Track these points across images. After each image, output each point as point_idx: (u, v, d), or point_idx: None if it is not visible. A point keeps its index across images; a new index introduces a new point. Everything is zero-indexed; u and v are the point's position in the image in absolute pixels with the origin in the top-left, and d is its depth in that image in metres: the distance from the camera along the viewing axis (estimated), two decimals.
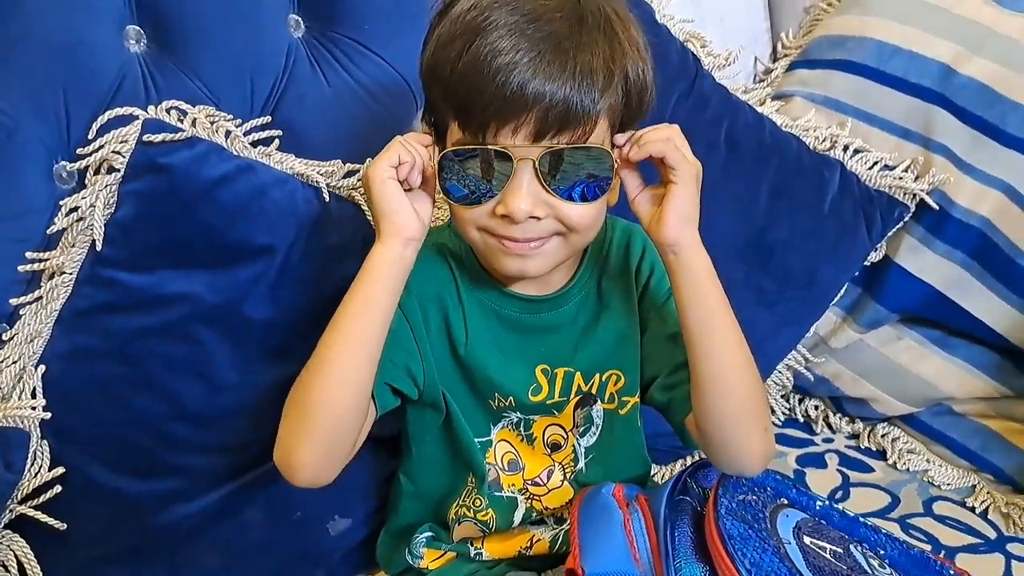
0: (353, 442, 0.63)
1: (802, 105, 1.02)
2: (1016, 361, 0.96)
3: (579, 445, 0.73)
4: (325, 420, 0.61)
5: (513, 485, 0.73)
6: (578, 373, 0.71)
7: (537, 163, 0.59)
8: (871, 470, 0.97)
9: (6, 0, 0.75)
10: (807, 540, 0.62)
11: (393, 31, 0.94)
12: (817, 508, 0.70)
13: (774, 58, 1.11)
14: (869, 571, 0.61)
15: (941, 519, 0.89)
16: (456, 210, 0.64)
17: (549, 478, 0.73)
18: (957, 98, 0.96)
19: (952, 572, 0.69)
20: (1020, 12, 0.98)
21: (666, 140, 0.62)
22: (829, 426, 1.04)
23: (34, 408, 0.69)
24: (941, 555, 0.80)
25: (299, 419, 0.62)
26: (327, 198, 0.77)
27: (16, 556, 0.70)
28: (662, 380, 0.70)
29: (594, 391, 0.72)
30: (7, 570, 0.70)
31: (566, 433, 0.73)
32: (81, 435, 0.71)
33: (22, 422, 0.69)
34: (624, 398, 0.73)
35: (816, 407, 1.05)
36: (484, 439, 0.73)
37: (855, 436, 1.02)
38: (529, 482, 0.73)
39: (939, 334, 0.99)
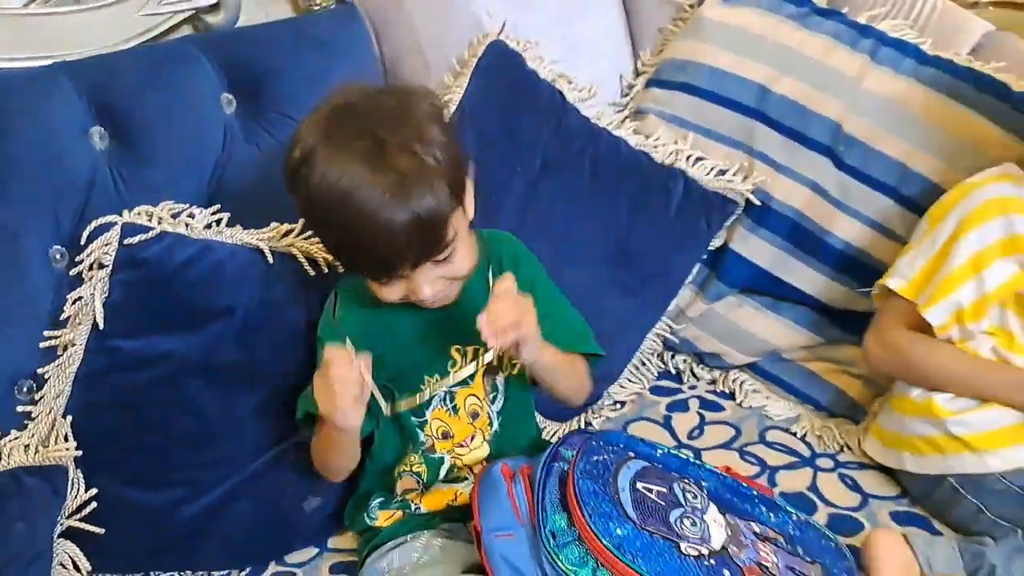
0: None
1: (654, 122, 1.21)
2: (828, 317, 1.18)
3: (492, 411, 0.96)
4: (337, 476, 0.94)
5: (444, 448, 0.94)
6: (482, 348, 0.90)
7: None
8: (723, 409, 1.20)
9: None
10: (639, 485, 0.84)
11: (316, 98, 1.10)
12: (658, 456, 0.92)
13: (636, 75, 1.29)
14: (683, 502, 0.85)
15: (770, 444, 1.13)
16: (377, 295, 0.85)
17: (472, 441, 0.95)
18: (771, 112, 1.16)
19: (755, 492, 0.94)
20: (822, 34, 1.17)
21: (515, 331, 0.81)
22: (694, 375, 1.27)
23: (68, 449, 0.88)
24: (754, 475, 1.05)
25: (323, 473, 0.94)
26: (271, 259, 0.96)
27: (70, 557, 0.92)
28: None
29: (495, 362, 0.93)
30: (64, 568, 0.92)
31: (480, 401, 0.95)
32: (105, 464, 0.90)
33: (61, 460, 0.89)
34: (514, 361, 0.94)
35: (684, 361, 1.27)
36: (422, 419, 0.94)
37: (713, 382, 1.25)
38: (456, 445, 0.95)
39: (769, 300, 1.20)
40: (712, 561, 0.79)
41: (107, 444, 0.91)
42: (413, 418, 0.94)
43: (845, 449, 1.12)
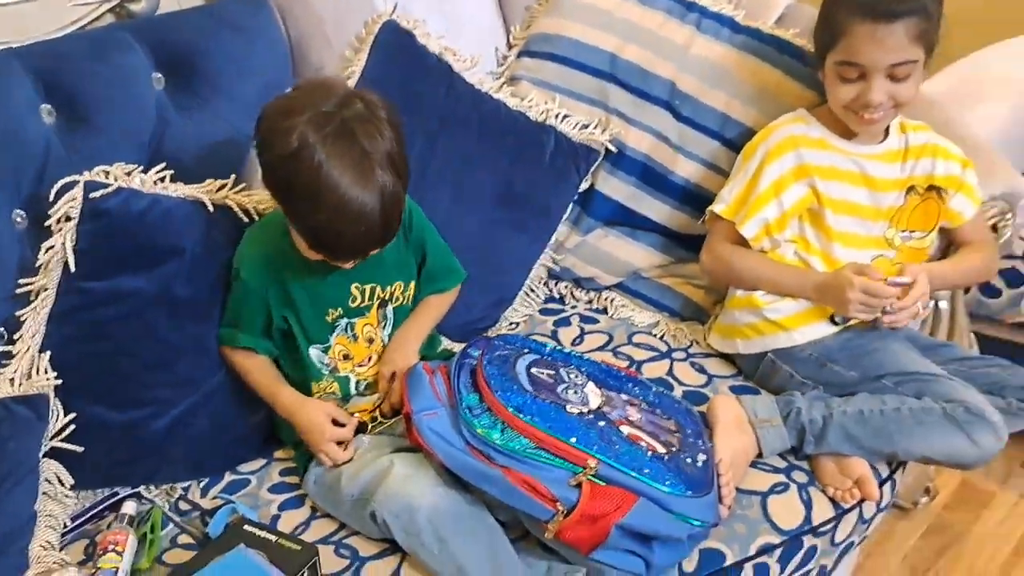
0: None
1: (526, 87, 1.42)
2: (676, 241, 1.42)
3: (383, 335, 1.15)
4: None
5: (346, 368, 1.13)
6: (378, 286, 1.11)
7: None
8: (598, 322, 1.42)
9: None
10: (533, 370, 1.06)
11: (235, 74, 1.25)
12: (547, 351, 1.15)
13: (509, 47, 1.50)
14: (567, 380, 1.07)
15: (637, 344, 1.36)
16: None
17: (369, 361, 1.14)
18: (620, 75, 1.39)
19: (623, 373, 1.18)
20: (657, 9, 1.42)
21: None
22: (574, 297, 1.48)
23: (47, 380, 1.02)
24: (626, 366, 1.29)
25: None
26: (211, 208, 1.11)
27: (55, 473, 1.04)
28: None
29: (387, 297, 1.13)
30: (50, 483, 1.05)
31: (374, 328, 1.14)
32: (80, 390, 1.04)
33: (42, 389, 1.02)
34: (408, 293, 1.16)
35: (565, 287, 1.48)
36: (326, 344, 1.11)
37: (590, 301, 1.47)
38: (357, 365, 1.14)
39: (628, 229, 1.43)
40: (591, 416, 1.02)
41: (81, 373, 1.04)
42: (317, 345, 1.11)
43: (694, 344, 1.37)
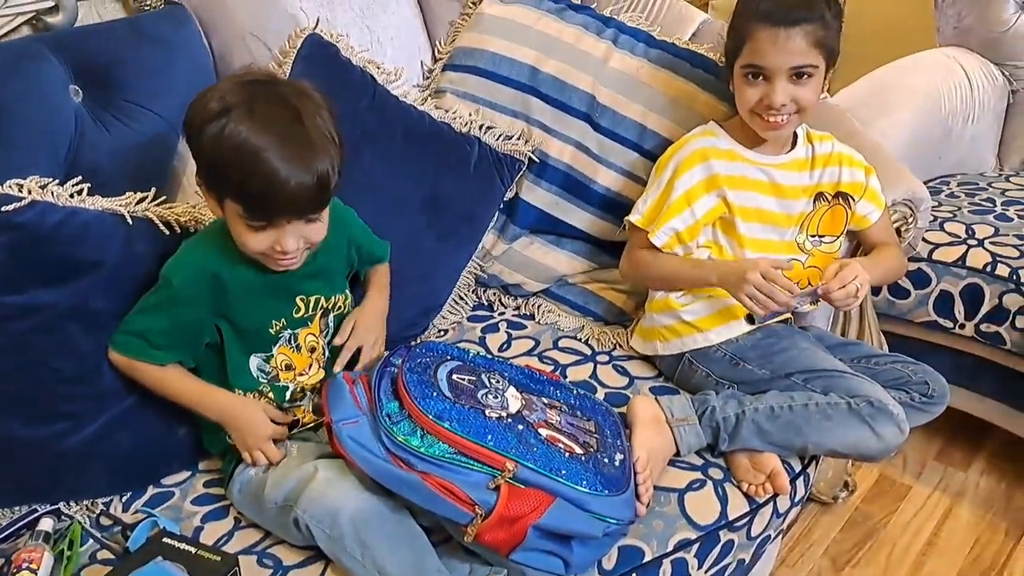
0: None
1: (451, 99, 1.44)
2: (599, 247, 1.46)
3: (324, 343, 1.15)
4: None
5: (287, 378, 1.12)
6: (322, 297, 1.12)
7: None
8: (525, 327, 1.44)
9: None
10: (454, 376, 1.08)
11: (155, 87, 1.24)
12: (469, 357, 1.16)
13: (434, 60, 1.52)
14: (488, 385, 1.09)
15: (562, 349, 1.38)
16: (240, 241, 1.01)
17: (310, 369, 1.14)
18: (541, 88, 1.42)
19: (545, 377, 1.20)
20: (574, 24, 1.45)
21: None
22: (502, 304, 1.50)
23: None
24: (550, 370, 1.31)
25: None
26: (130, 221, 1.10)
27: None
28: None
29: (330, 307, 1.14)
30: None
31: (317, 337, 1.14)
32: None
33: None
34: (346, 302, 1.17)
35: (494, 293, 1.51)
36: (268, 354, 1.10)
37: (518, 308, 1.49)
38: (298, 375, 1.13)
39: (553, 237, 1.46)
40: (510, 420, 1.04)
41: None
42: (258, 355, 1.11)
43: (617, 347, 1.40)
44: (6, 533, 1.06)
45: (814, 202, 1.32)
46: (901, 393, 1.26)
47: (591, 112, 1.42)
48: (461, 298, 1.47)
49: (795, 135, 1.32)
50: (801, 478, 1.21)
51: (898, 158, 1.59)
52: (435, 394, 1.03)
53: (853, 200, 1.32)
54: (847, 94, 1.82)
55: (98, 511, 1.13)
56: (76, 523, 1.06)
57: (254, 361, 1.11)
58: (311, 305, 1.12)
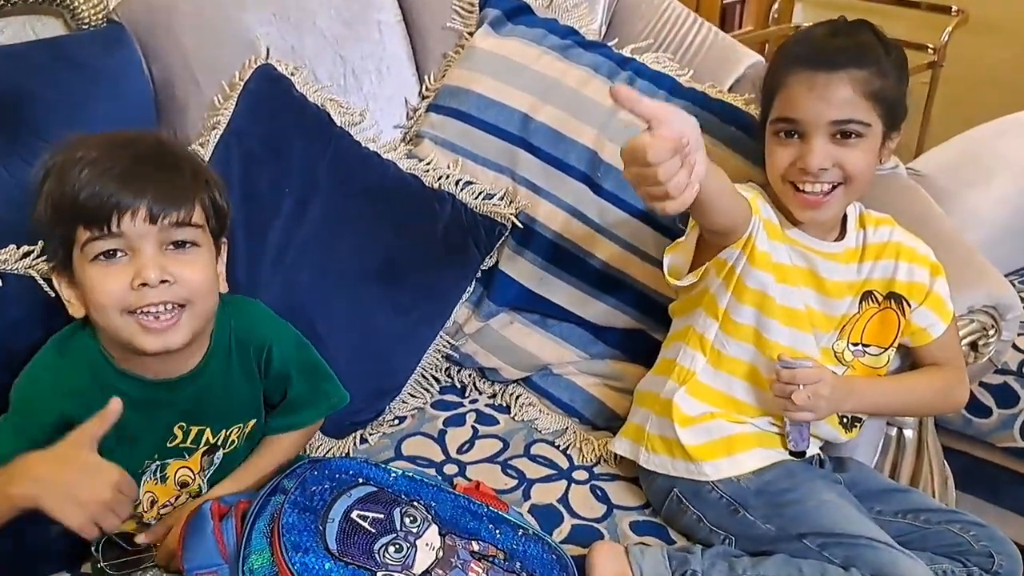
0: None
1: (428, 146, 1.22)
2: (592, 332, 1.21)
3: (204, 481, 0.92)
4: None
5: (151, 516, 0.91)
6: (208, 429, 0.89)
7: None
8: (497, 423, 1.20)
9: None
10: (354, 514, 0.83)
11: (75, 121, 1.06)
12: (390, 479, 0.91)
13: (420, 99, 1.30)
14: (398, 528, 0.85)
15: (533, 457, 1.14)
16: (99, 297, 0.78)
17: (177, 499, 0.92)
18: (533, 139, 1.18)
19: (486, 510, 0.94)
20: (582, 65, 1.21)
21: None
22: (477, 389, 1.27)
23: None
24: (509, 493, 1.07)
25: None
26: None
27: None
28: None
29: (219, 443, 0.91)
30: None
31: (194, 474, 0.91)
32: None
33: None
34: (247, 431, 0.93)
35: (468, 375, 1.27)
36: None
37: (494, 396, 1.25)
38: (161, 507, 0.91)
39: (538, 317, 1.21)
40: None
41: None
42: None
43: (602, 461, 1.14)
44: None
45: (860, 303, 1.04)
46: (956, 564, 0.96)
47: (591, 172, 1.16)
48: (426, 378, 1.24)
49: (845, 219, 1.05)
50: None
51: (991, 243, 1.28)
52: (316, 546, 0.80)
53: (909, 305, 1.03)
54: (932, 158, 1.50)
55: None
56: None
57: None
58: (191, 437, 0.89)
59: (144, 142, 0.83)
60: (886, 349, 1.04)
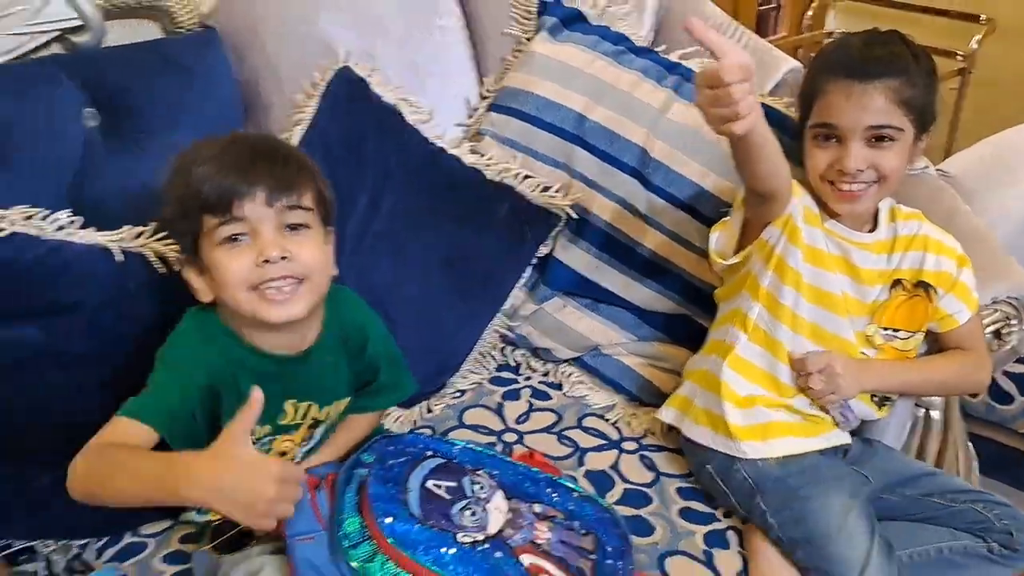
0: None
1: (489, 143, 1.31)
2: (639, 316, 1.30)
3: (300, 451, 1.02)
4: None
5: None
6: (315, 405, 0.98)
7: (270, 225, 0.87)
8: (550, 398, 1.30)
9: None
10: (430, 484, 0.93)
11: (175, 116, 1.18)
12: (455, 452, 1.01)
13: (480, 99, 1.39)
14: (469, 495, 0.94)
15: (585, 429, 1.23)
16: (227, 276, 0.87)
17: None
18: (588, 137, 1.27)
19: (542, 475, 1.04)
20: (632, 69, 1.30)
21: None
22: (530, 368, 1.36)
23: None
24: (564, 460, 1.16)
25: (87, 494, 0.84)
26: (119, 258, 1.04)
27: None
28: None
29: (323, 418, 1.01)
30: None
31: (295, 445, 1.01)
32: None
33: None
34: (342, 406, 1.03)
35: (522, 355, 1.37)
36: None
37: (546, 374, 1.35)
38: None
39: (589, 301, 1.31)
40: (487, 545, 0.89)
41: None
42: None
43: (648, 434, 1.24)
44: None
45: (890, 290, 1.12)
46: (978, 541, 1.04)
47: (642, 167, 1.26)
48: (484, 356, 1.34)
49: (877, 213, 1.13)
50: None
51: (1015, 239, 1.36)
52: (402, 512, 0.89)
53: (936, 293, 1.11)
54: (961, 159, 1.57)
55: (71, 554, 1.07)
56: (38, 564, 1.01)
57: None
58: (300, 412, 0.98)
59: (256, 140, 0.94)
60: (915, 334, 1.13)
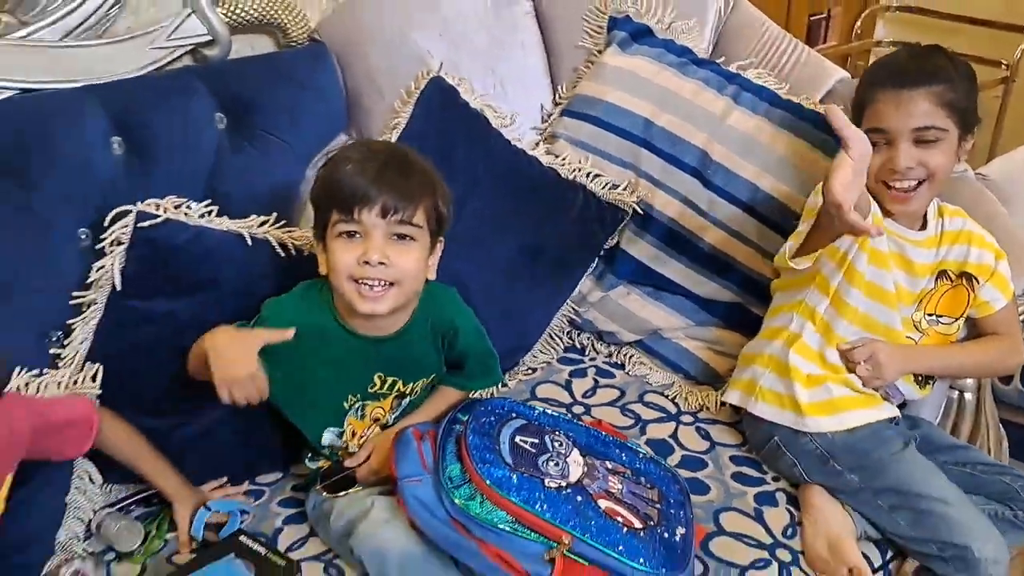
0: None
1: (563, 145, 1.45)
2: (698, 304, 1.43)
3: (391, 418, 1.19)
4: None
5: (351, 441, 1.16)
6: (400, 381, 1.15)
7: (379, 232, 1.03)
8: (614, 376, 1.43)
9: (36, 143, 1.15)
10: (517, 439, 1.08)
11: (290, 119, 1.35)
12: (535, 416, 1.15)
13: (554, 105, 1.54)
14: (551, 449, 1.08)
15: (647, 403, 1.37)
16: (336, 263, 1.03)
17: (369, 432, 1.17)
18: (654, 140, 1.41)
19: (611, 438, 1.18)
20: (695, 79, 1.44)
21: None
22: (595, 349, 1.51)
23: (92, 389, 1.11)
24: (619, 428, 1.29)
25: None
26: (249, 242, 1.20)
27: (86, 471, 1.11)
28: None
29: (407, 392, 1.17)
30: (81, 479, 1.11)
31: (386, 412, 1.17)
32: (116, 394, 1.12)
33: (85, 394, 1.13)
34: (426, 383, 1.19)
35: (587, 338, 1.51)
36: (340, 429, 1.15)
37: (610, 355, 1.48)
38: (359, 437, 1.16)
39: (651, 289, 1.44)
40: (569, 490, 1.03)
41: (119, 379, 1.13)
42: (332, 429, 1.15)
43: (704, 409, 1.36)
44: (119, 505, 1.20)
45: (936, 280, 1.24)
46: (1004, 508, 1.16)
47: (702, 168, 1.39)
48: (553, 338, 1.48)
49: (926, 213, 1.24)
50: (882, 572, 1.15)
51: None
52: (497, 460, 1.03)
53: (978, 282, 1.23)
54: (999, 165, 1.67)
55: None
56: (165, 511, 1.17)
57: (328, 436, 1.15)
58: (387, 385, 1.15)
59: (392, 154, 1.08)
60: (956, 319, 1.25)
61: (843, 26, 2.60)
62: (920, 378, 1.26)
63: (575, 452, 1.11)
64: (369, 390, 1.14)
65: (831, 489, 1.17)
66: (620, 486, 1.08)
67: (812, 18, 2.54)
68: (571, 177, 1.42)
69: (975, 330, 1.28)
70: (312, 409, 1.14)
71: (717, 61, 1.47)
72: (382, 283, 1.04)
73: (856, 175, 0.97)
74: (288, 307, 1.12)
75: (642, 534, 1.01)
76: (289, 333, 1.04)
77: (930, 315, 1.24)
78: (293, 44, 1.43)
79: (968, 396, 1.33)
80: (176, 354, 1.16)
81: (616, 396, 1.40)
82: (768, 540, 1.13)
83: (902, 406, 1.27)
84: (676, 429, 1.33)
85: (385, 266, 1.03)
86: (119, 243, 1.12)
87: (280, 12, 1.38)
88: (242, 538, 1.08)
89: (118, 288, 1.12)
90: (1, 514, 0.95)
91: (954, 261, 1.23)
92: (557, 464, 1.07)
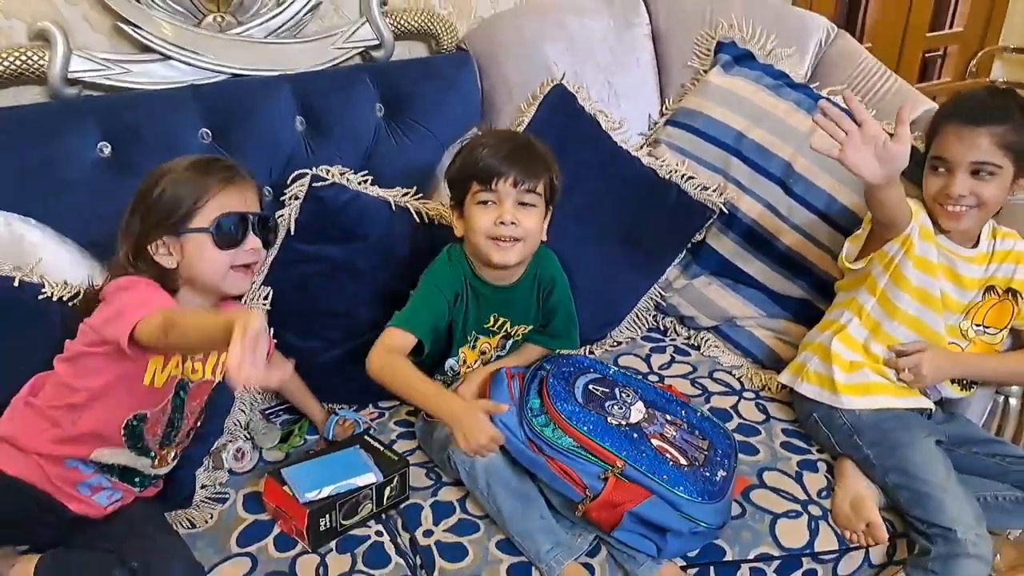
0: None
1: (663, 149, 1.66)
2: (772, 298, 1.59)
3: (494, 355, 1.43)
4: None
5: (462, 368, 1.41)
6: (509, 321, 1.39)
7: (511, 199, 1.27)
8: (689, 355, 1.62)
9: (241, 117, 1.49)
10: (591, 386, 1.29)
11: (435, 113, 1.63)
12: (610, 372, 1.37)
13: (660, 115, 1.76)
14: (617, 398, 1.29)
15: (715, 379, 1.54)
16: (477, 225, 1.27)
17: (475, 364, 1.41)
18: (745, 151, 1.59)
19: (677, 398, 1.39)
20: (787, 100, 1.61)
21: None
22: (675, 332, 1.69)
23: (263, 307, 1.43)
24: (686, 394, 1.48)
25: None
26: (393, 208, 1.48)
27: None
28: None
29: (512, 333, 1.40)
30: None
31: (492, 349, 1.42)
32: (279, 318, 1.38)
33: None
34: (525, 330, 1.42)
35: (670, 321, 1.70)
36: (457, 357, 1.39)
37: (688, 338, 1.67)
38: (467, 366, 1.41)
39: (730, 281, 1.62)
40: (627, 428, 1.24)
41: (283, 305, 1.41)
42: (452, 358, 1.40)
43: (766, 389, 1.54)
44: (269, 411, 1.51)
45: (984, 294, 1.37)
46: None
47: (786, 178, 1.57)
48: (639, 317, 1.69)
49: (980, 234, 1.37)
50: (904, 540, 1.28)
51: None
52: (570, 399, 1.26)
53: (1022, 297, 1.36)
54: None
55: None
56: (304, 419, 1.47)
57: (449, 361, 1.39)
58: (498, 324, 1.39)
59: (519, 139, 1.33)
60: (1001, 331, 1.37)
61: (958, 64, 2.66)
62: (964, 381, 1.39)
63: (640, 403, 1.32)
64: (485, 326, 1.39)
65: (856, 462, 1.32)
66: (675, 433, 1.28)
67: (927, 55, 2.62)
68: (667, 177, 1.62)
69: (1018, 341, 1.40)
70: (444, 341, 1.39)
71: (811, 86, 1.64)
72: (511, 239, 1.28)
73: (865, 144, 1.14)
74: (444, 272, 1.35)
75: (686, 469, 1.21)
76: (504, 408, 1.21)
77: (977, 325, 1.37)
78: (443, 51, 1.72)
79: (1013, 401, 1.44)
80: (331, 290, 1.45)
81: (688, 371, 1.59)
82: (803, 497, 1.30)
83: (940, 402, 1.40)
84: (737, 402, 1.50)
85: (515, 225, 1.26)
86: (296, 198, 1.42)
87: (435, 24, 1.67)
88: (366, 437, 1.35)
89: (291, 233, 1.42)
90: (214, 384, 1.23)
91: (1002, 278, 1.36)
92: (621, 407, 1.29)
